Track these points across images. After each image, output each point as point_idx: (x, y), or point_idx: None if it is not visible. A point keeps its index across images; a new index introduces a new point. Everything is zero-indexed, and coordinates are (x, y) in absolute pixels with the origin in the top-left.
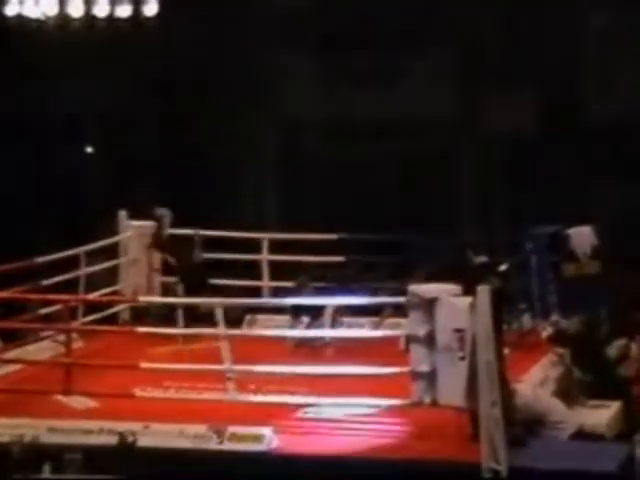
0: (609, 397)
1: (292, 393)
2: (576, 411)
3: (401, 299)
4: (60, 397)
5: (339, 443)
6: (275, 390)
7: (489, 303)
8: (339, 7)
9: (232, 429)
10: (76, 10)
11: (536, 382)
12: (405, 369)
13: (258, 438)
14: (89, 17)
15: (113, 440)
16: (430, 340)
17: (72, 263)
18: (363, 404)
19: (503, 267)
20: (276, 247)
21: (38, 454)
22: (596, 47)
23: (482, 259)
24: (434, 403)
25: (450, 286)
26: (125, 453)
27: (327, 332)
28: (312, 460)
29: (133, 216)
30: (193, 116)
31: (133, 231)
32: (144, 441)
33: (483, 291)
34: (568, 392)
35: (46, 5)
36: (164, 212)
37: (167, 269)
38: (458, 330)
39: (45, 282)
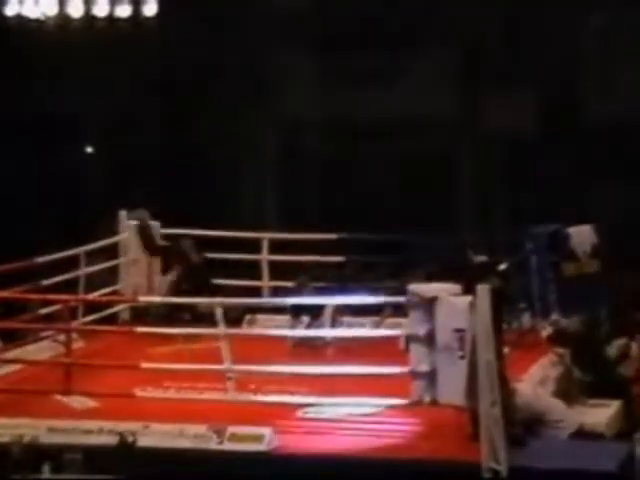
0: (609, 396)
1: (292, 393)
2: (576, 410)
3: (401, 299)
4: (60, 397)
5: (339, 443)
6: (275, 390)
7: (489, 303)
8: (339, 7)
9: (232, 429)
10: (76, 10)
11: (536, 381)
12: (405, 369)
13: (258, 438)
14: (89, 17)
15: (113, 440)
16: (430, 339)
17: (72, 263)
18: (363, 404)
19: (503, 267)
20: (276, 247)
21: (38, 454)
22: (596, 47)
23: (482, 259)
24: (434, 402)
25: (450, 286)
26: (125, 453)
27: (327, 332)
28: (312, 460)
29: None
30: (193, 116)
31: (133, 231)
32: (144, 441)
33: (483, 290)
34: (568, 391)
35: (46, 5)
36: (142, 214)
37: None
38: (458, 330)
39: (45, 282)
